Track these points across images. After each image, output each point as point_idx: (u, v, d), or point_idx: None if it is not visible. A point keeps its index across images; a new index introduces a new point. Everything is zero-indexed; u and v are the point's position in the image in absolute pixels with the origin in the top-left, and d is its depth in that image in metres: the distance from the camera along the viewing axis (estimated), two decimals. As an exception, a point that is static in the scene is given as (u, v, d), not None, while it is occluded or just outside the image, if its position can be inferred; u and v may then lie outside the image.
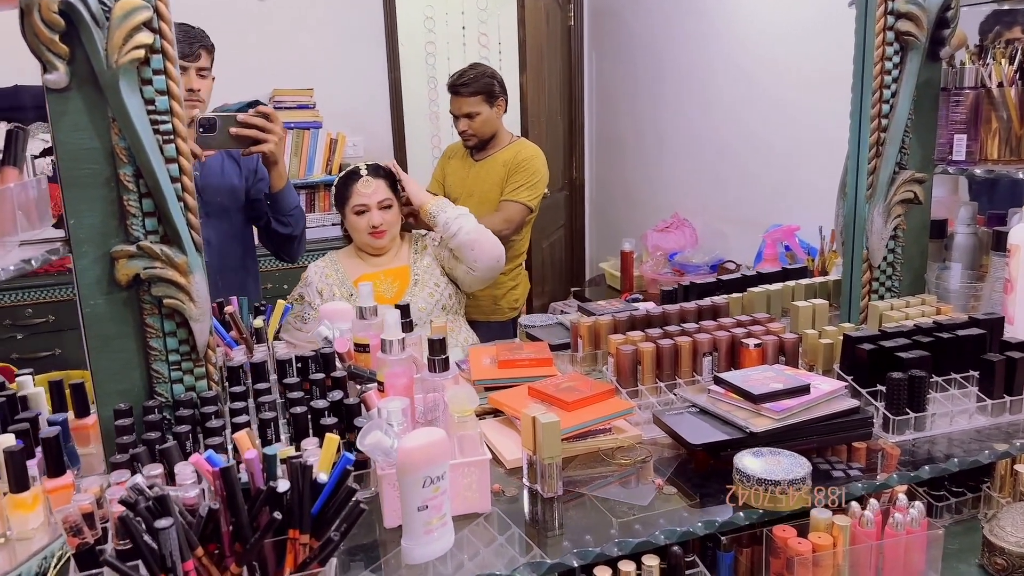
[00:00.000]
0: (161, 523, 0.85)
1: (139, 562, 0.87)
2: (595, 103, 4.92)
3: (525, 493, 1.23)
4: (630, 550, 1.10)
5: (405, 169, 4.50)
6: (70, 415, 1.33)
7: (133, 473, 1.09)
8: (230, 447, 1.19)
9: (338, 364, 1.47)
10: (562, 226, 4.94)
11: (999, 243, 1.64)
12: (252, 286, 2.29)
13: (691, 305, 1.67)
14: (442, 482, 1.04)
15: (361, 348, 1.49)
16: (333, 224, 4.07)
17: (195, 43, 1.98)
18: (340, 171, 4.07)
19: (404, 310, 1.52)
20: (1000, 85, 1.62)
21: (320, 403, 1.23)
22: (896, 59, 1.58)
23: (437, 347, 1.28)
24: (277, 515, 0.90)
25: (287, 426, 1.25)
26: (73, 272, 1.19)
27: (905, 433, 1.35)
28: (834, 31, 2.89)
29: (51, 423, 1.23)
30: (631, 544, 1.10)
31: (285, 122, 4.24)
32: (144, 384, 1.25)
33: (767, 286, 1.79)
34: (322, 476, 0.95)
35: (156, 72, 1.17)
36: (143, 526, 0.88)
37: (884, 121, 1.60)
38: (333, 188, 2.37)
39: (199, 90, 2.01)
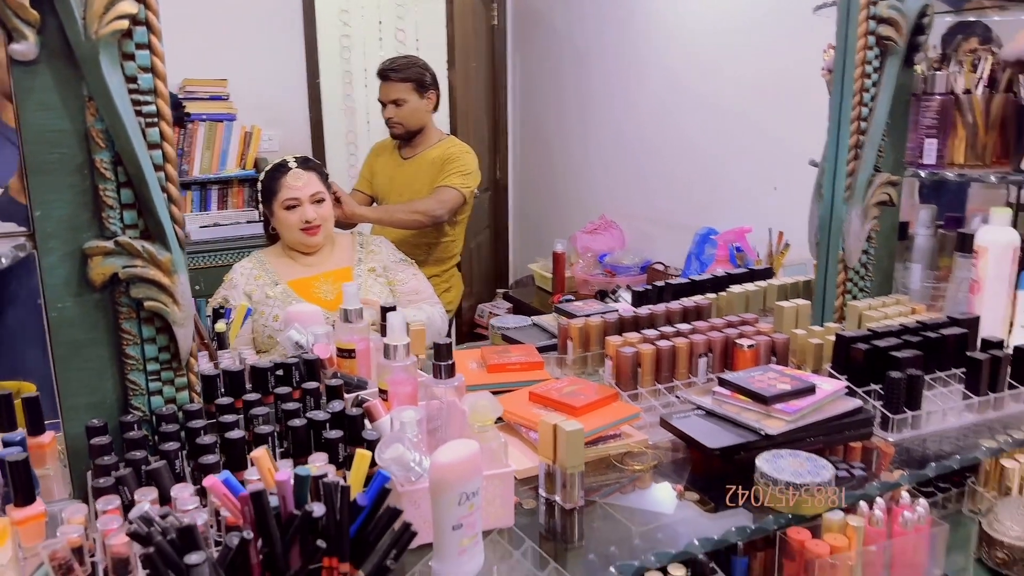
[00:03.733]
0: (192, 558, 0.74)
1: (165, 604, 0.76)
2: (519, 104, 4.90)
3: (542, 505, 1.17)
4: (667, 561, 1.06)
5: (324, 164, 4.36)
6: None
7: (122, 499, 0.96)
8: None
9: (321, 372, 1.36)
10: (487, 227, 4.89)
11: (964, 245, 1.70)
12: None
13: (676, 306, 1.65)
14: (476, 498, 0.97)
15: (346, 353, 1.39)
16: (248, 222, 3.89)
17: None
18: (255, 166, 3.91)
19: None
20: (967, 92, 1.68)
21: (320, 415, 1.13)
22: (876, 63, 1.61)
23: (443, 352, 1.20)
24: (321, 543, 0.81)
25: (281, 441, 1.15)
26: (38, 271, 1.05)
27: (903, 431, 1.37)
28: (765, 33, 3.00)
29: (7, 443, 1.08)
30: (669, 555, 1.06)
31: (196, 114, 4.04)
32: (118, 397, 1.11)
33: (742, 286, 1.79)
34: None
35: (140, 46, 1.04)
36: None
37: (863, 124, 1.63)
38: (259, 184, 2.21)
39: None
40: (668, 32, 3.53)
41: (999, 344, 1.47)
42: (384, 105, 2.90)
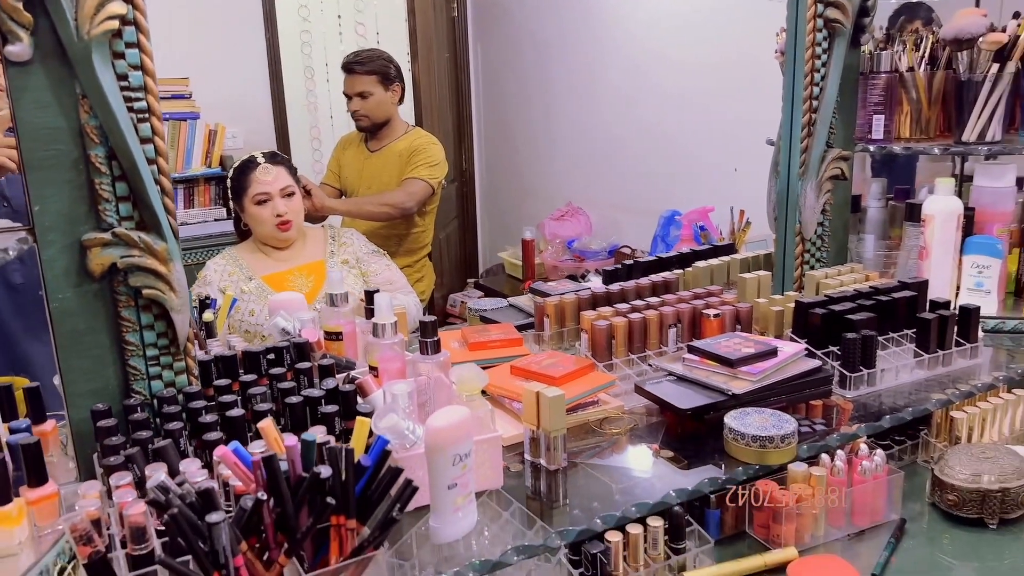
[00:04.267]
0: (213, 517, 0.80)
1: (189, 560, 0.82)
2: (482, 95, 4.95)
3: (527, 468, 1.25)
4: (646, 511, 1.14)
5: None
6: (23, 423, 1.22)
7: (133, 476, 1.01)
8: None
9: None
10: (455, 217, 4.95)
11: (912, 214, 1.80)
12: None
13: (645, 281, 1.73)
14: (469, 459, 1.04)
15: (333, 336, 1.45)
16: (216, 220, 3.90)
17: None
18: (221, 163, 3.92)
19: (372, 297, 1.49)
20: (910, 70, 1.79)
21: (315, 392, 1.19)
22: (825, 44, 1.70)
23: (429, 329, 1.26)
24: (331, 500, 0.87)
25: (278, 419, 1.20)
26: (38, 263, 1.09)
27: (860, 388, 1.47)
28: (721, 18, 3.10)
29: (14, 430, 1.12)
30: (648, 506, 1.14)
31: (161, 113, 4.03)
32: (119, 382, 1.16)
33: (707, 261, 1.88)
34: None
35: (129, 45, 1.08)
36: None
37: (815, 103, 1.72)
38: (228, 180, 2.24)
39: None
40: (627, 19, 3.62)
41: (946, 305, 1.58)
42: (349, 98, 2.93)
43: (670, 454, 1.28)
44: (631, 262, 1.93)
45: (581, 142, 4.08)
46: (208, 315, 1.57)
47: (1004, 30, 1.69)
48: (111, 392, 1.16)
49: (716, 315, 1.56)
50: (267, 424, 0.95)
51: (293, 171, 2.23)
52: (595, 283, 1.87)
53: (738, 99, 2.94)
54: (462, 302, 4.49)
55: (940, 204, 1.70)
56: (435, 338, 1.27)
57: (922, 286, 1.62)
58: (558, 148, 4.29)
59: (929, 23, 1.97)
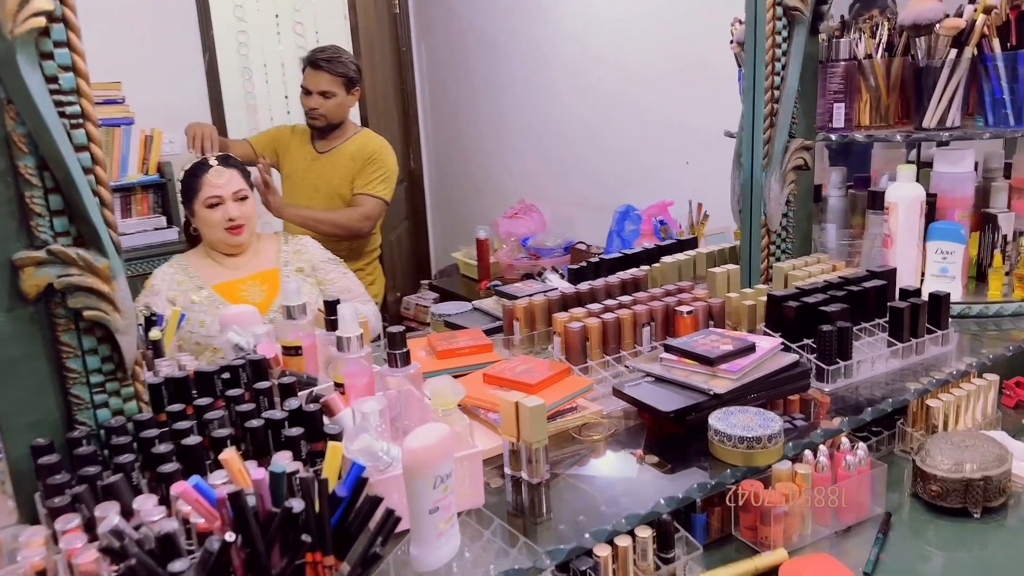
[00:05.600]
0: (176, 566, 0.72)
1: (151, 615, 0.73)
2: (428, 93, 4.87)
3: (508, 483, 1.19)
4: (637, 523, 1.09)
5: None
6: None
7: (81, 517, 0.92)
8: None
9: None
10: (405, 218, 4.85)
11: (875, 202, 1.79)
12: None
13: (615, 279, 1.69)
14: (450, 480, 0.97)
15: (292, 351, 1.36)
16: (156, 229, 3.75)
17: None
18: (159, 170, 3.76)
19: (331, 307, 1.41)
20: (868, 57, 1.77)
21: (277, 413, 1.11)
22: (785, 33, 1.67)
23: (398, 340, 1.20)
24: (306, 538, 0.80)
25: (239, 444, 1.12)
26: (-36, 287, 0.99)
27: (837, 381, 1.44)
28: (661, 29, 3.09)
29: (-56, 472, 1.02)
30: (638, 517, 1.09)
31: (92, 119, 3.86)
32: (61, 413, 1.06)
33: (673, 257, 1.85)
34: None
35: (58, 44, 0.99)
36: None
37: (777, 93, 1.70)
38: (179, 183, 2.13)
39: None
40: (573, 14, 3.58)
41: (916, 292, 1.57)
42: (308, 93, 2.82)
43: (654, 459, 1.23)
44: (597, 259, 1.89)
45: (531, 138, 4.04)
46: (155, 333, 1.47)
47: (961, 15, 1.69)
48: (52, 425, 1.06)
49: (689, 312, 1.52)
50: (230, 456, 0.87)
51: (246, 175, 2.15)
52: (554, 280, 1.82)
53: (687, 91, 2.93)
54: (416, 304, 4.40)
55: (903, 191, 1.70)
56: (404, 349, 1.20)
57: (891, 275, 1.61)
58: (508, 145, 4.23)
59: (884, 10, 1.96)
